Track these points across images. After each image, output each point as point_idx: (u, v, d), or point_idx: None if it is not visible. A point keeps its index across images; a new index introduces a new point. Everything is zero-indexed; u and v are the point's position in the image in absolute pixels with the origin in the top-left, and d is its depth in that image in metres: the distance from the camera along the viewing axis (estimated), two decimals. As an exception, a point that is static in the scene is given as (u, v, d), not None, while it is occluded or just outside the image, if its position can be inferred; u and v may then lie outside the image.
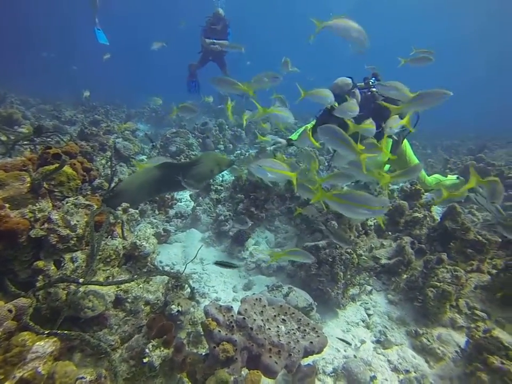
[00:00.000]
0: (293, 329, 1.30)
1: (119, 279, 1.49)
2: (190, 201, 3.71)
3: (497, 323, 2.06)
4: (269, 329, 1.25)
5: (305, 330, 1.31)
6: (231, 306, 1.23)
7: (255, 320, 1.22)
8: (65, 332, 1.12)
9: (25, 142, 3.31)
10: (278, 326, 1.30)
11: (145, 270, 1.70)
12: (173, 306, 1.64)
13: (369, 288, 2.74)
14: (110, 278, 1.60)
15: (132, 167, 4.80)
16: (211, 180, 3.48)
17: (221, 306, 1.21)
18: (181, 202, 3.77)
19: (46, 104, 8.75)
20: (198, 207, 3.23)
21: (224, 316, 1.18)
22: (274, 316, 1.36)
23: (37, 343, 1.04)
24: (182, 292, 1.76)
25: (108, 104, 9.46)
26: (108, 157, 4.08)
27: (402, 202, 3.76)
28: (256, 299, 1.37)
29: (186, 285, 1.77)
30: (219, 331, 1.11)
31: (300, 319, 1.37)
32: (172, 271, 2.06)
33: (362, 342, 2.12)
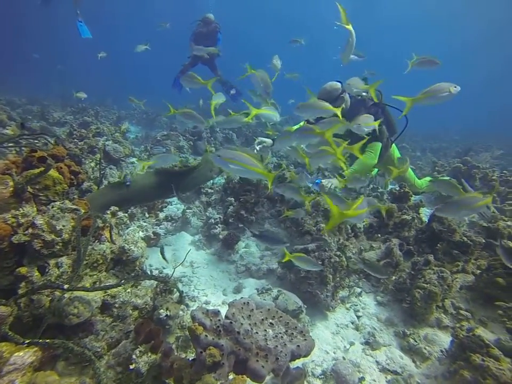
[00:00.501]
0: (280, 333, 1.31)
1: (106, 285, 1.47)
2: (181, 204, 3.68)
3: (480, 322, 2.12)
4: (257, 333, 1.25)
5: (292, 333, 1.32)
6: (218, 311, 1.23)
7: (242, 324, 1.22)
8: (47, 340, 1.10)
9: (10, 144, 3.25)
10: (265, 330, 1.30)
11: (133, 275, 1.68)
12: (161, 310, 1.63)
13: (358, 290, 2.77)
14: (97, 283, 1.58)
15: (129, 167, 4.76)
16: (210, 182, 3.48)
17: (208, 310, 1.21)
18: (171, 205, 3.74)
19: (33, 104, 8.59)
20: (188, 210, 3.22)
21: (211, 320, 1.18)
22: (262, 319, 1.36)
23: (15, 354, 1.02)
24: (170, 296, 1.75)
25: (97, 106, 9.35)
26: (97, 159, 4.03)
27: (391, 204, 3.83)
28: (244, 303, 1.37)
29: (175, 289, 1.76)
30: (206, 336, 1.11)
31: (288, 322, 1.38)
32: (161, 275, 2.04)
33: (351, 343, 2.14)
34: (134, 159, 5.51)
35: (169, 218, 3.25)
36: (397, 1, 30.62)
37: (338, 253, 2.69)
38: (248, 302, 1.39)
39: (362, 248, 3.29)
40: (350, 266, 2.84)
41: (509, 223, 3.01)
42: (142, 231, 3.05)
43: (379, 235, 3.57)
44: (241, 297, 1.36)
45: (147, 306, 1.68)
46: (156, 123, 9.19)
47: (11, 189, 1.57)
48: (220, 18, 6.79)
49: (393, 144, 3.34)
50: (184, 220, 3.15)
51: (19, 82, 12.94)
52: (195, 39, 6.65)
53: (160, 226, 3.16)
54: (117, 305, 1.56)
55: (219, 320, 1.18)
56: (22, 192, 1.55)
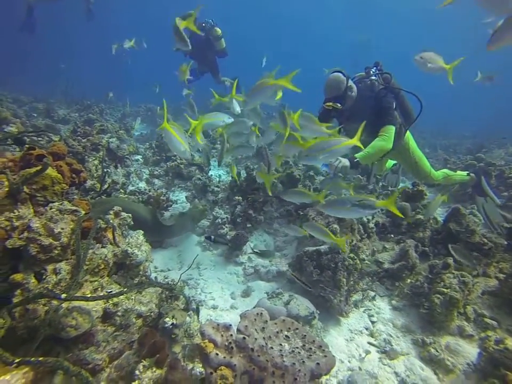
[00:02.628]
0: (297, 347, 1.19)
1: (107, 294, 1.37)
2: (186, 203, 3.58)
3: (507, 332, 1.97)
4: (272, 348, 1.13)
5: (310, 348, 1.20)
6: (230, 325, 1.12)
7: (256, 339, 1.11)
8: (40, 359, 0.99)
9: (11, 142, 3.16)
10: (281, 344, 1.19)
11: (137, 282, 1.58)
12: (167, 319, 1.52)
13: (372, 293, 2.64)
14: (99, 289, 1.48)
15: (127, 167, 4.67)
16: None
17: (218, 325, 1.10)
18: (176, 203, 3.64)
19: (39, 102, 8.54)
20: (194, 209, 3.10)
21: (222, 336, 1.06)
22: (277, 332, 1.25)
23: (1, 378, 0.92)
24: (177, 303, 1.64)
25: (102, 103, 9.28)
26: (100, 157, 3.94)
27: (405, 204, 3.67)
28: (257, 314, 1.26)
29: (182, 296, 1.65)
30: (217, 354, 1.00)
31: (305, 335, 1.26)
32: (166, 279, 1.94)
33: (367, 352, 2.01)
34: (138, 157, 5.43)
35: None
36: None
37: (352, 255, 2.56)
38: (261, 313, 1.27)
39: (375, 249, 3.15)
40: (363, 269, 2.72)
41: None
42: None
43: (392, 235, 3.43)
44: (254, 307, 1.24)
45: (152, 314, 1.57)
46: (161, 121, 9.08)
47: (6, 189, 1.47)
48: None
49: (409, 133, 3.11)
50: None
51: (24, 81, 12.92)
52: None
53: (165, 226, 3.05)
54: (119, 314, 1.45)
55: (231, 335, 1.07)
56: (17, 192, 1.44)
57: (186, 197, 3.56)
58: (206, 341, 1.01)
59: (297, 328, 1.29)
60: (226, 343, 1.04)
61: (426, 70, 2.37)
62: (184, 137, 1.58)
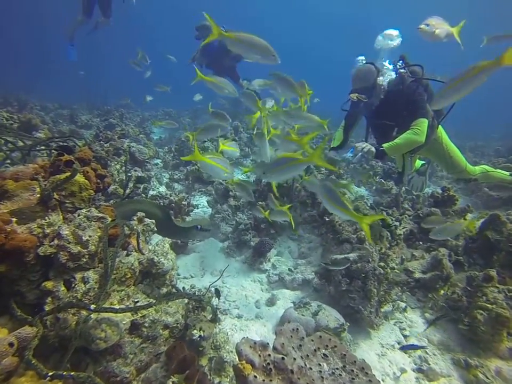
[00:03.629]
0: (337, 368, 1.10)
1: (136, 306, 1.32)
2: (208, 208, 3.55)
3: None
4: (310, 368, 1.05)
5: (352, 370, 1.10)
6: (267, 343, 1.04)
7: (295, 359, 1.02)
8: (72, 373, 0.95)
9: (42, 147, 3.25)
10: (319, 364, 1.10)
11: (165, 293, 1.53)
12: (195, 331, 1.47)
13: (403, 305, 2.50)
14: (125, 298, 1.45)
15: (147, 171, 4.71)
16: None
17: (255, 343, 1.02)
18: (197, 208, 3.62)
19: (64, 109, 8.86)
20: (216, 215, 3.06)
21: (260, 355, 0.99)
22: (314, 350, 1.16)
23: None
24: (204, 314, 1.58)
25: (122, 108, 9.50)
26: (123, 161, 3.99)
27: (434, 209, 3.48)
28: (293, 330, 1.18)
29: (209, 307, 1.59)
30: (255, 377, 0.92)
31: (344, 354, 1.16)
32: (193, 289, 1.88)
33: (403, 370, 1.88)
34: (158, 161, 5.48)
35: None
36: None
37: (382, 264, 2.43)
38: (297, 329, 1.19)
39: (403, 257, 2.99)
40: (392, 278, 2.57)
41: None
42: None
43: (421, 243, 3.25)
44: (280, 318, 1.16)
45: (178, 325, 1.52)
46: (179, 124, 9.20)
47: (38, 195, 1.47)
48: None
49: (441, 127, 2.92)
50: (213, 225, 3.00)
51: (49, 87, 13.47)
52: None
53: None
54: (146, 325, 1.41)
55: (269, 355, 0.99)
56: (48, 199, 1.44)
57: (207, 201, 3.52)
58: (244, 361, 0.94)
59: (335, 346, 1.20)
60: (264, 364, 0.96)
61: (432, 38, 2.17)
62: (222, 161, 1.53)
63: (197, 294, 1.75)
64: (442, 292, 2.58)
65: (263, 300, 2.37)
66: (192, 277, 2.51)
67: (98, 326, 1.16)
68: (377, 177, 5.41)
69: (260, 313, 2.22)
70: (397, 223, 3.25)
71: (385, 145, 2.36)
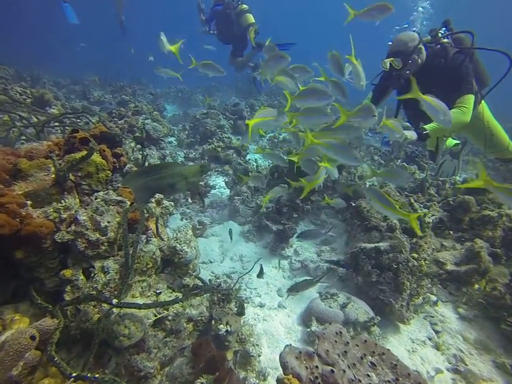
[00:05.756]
0: (389, 382, 0.97)
1: (161, 301, 1.22)
2: (225, 188, 3.41)
3: None
4: (360, 381, 0.92)
5: (405, 384, 0.97)
6: (313, 352, 0.91)
7: (344, 371, 0.90)
8: (96, 375, 0.86)
9: (56, 124, 3.13)
10: (368, 375, 0.97)
11: (192, 287, 1.42)
12: (221, 326, 1.36)
13: (433, 298, 2.35)
14: (147, 289, 1.34)
15: (161, 150, 4.57)
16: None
17: (300, 352, 0.90)
18: (214, 189, 3.48)
19: (76, 85, 8.69)
20: (236, 197, 2.91)
21: (307, 368, 0.86)
22: (361, 357, 1.03)
23: None
24: (229, 307, 1.47)
25: (134, 84, 9.26)
26: (137, 138, 3.84)
27: (468, 197, 3.22)
28: (336, 333, 1.05)
29: (234, 299, 1.48)
30: (301, 394, 0.80)
31: (395, 364, 1.03)
32: (218, 280, 1.78)
33: (438, 370, 1.75)
34: (172, 139, 5.31)
35: (214, 205, 2.98)
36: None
37: (415, 255, 2.26)
38: (341, 332, 1.06)
39: (433, 247, 2.80)
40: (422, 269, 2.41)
41: None
42: (186, 219, 2.83)
43: (451, 232, 3.04)
44: (330, 324, 1.03)
45: (203, 317, 1.42)
46: (192, 101, 8.93)
47: (52, 176, 1.34)
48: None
49: (483, 102, 2.61)
50: (232, 208, 2.86)
51: (57, 62, 13.22)
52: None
53: (205, 214, 2.90)
54: (170, 318, 1.31)
55: (316, 366, 0.87)
56: (64, 180, 1.31)
57: (226, 182, 3.37)
58: (290, 376, 0.82)
59: (383, 353, 1.07)
60: (312, 378, 0.84)
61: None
62: None
63: (222, 285, 1.64)
64: (476, 286, 2.40)
65: (285, 288, 2.26)
66: (211, 262, 2.41)
67: (122, 322, 1.06)
68: (399, 161, 5.12)
69: (282, 302, 2.12)
70: (426, 210, 3.05)
71: (428, 127, 2.10)
